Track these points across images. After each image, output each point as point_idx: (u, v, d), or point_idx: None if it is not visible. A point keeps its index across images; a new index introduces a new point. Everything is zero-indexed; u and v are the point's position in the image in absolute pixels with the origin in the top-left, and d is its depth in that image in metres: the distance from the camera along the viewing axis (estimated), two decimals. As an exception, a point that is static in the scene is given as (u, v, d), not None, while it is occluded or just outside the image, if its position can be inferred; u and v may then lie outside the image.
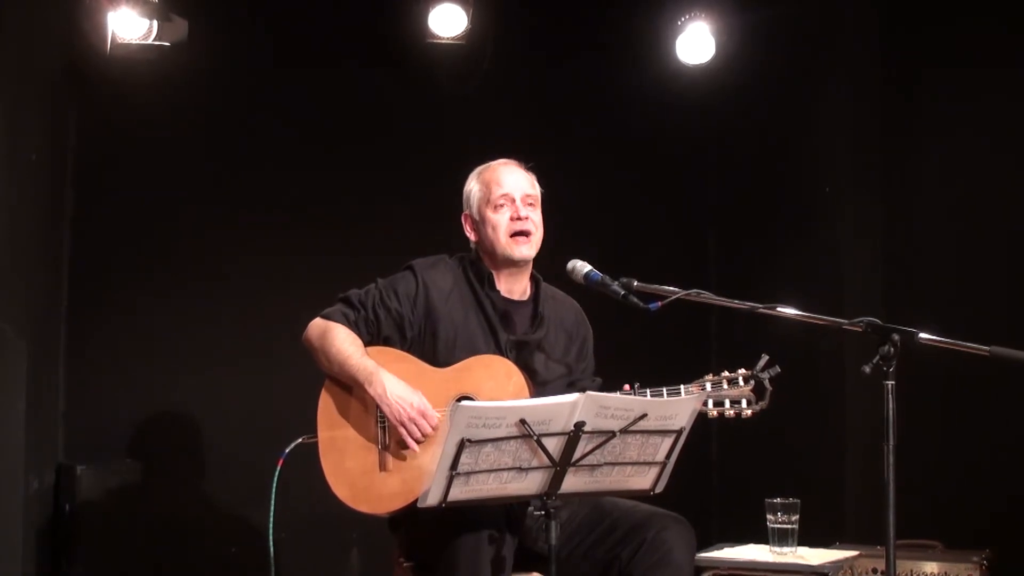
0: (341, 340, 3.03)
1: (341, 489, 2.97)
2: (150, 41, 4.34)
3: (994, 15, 4.51)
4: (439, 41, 4.80)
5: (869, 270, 4.97)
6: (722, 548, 3.51)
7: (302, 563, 4.59)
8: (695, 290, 2.91)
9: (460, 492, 2.56)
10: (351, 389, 3.02)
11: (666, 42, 5.01)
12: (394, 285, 3.12)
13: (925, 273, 4.74)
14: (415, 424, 2.92)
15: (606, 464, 2.64)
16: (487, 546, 2.72)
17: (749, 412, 2.95)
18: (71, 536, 4.28)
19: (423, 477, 2.84)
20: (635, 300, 2.90)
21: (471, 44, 4.82)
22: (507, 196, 3.14)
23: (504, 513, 2.77)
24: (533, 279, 3.25)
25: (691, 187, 5.60)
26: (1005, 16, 4.47)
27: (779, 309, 2.85)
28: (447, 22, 4.75)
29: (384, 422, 2.97)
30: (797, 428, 4.73)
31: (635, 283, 2.93)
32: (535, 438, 2.51)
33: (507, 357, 3.07)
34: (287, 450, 3.04)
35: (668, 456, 2.68)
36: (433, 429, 2.94)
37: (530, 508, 2.95)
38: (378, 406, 2.96)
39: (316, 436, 3.02)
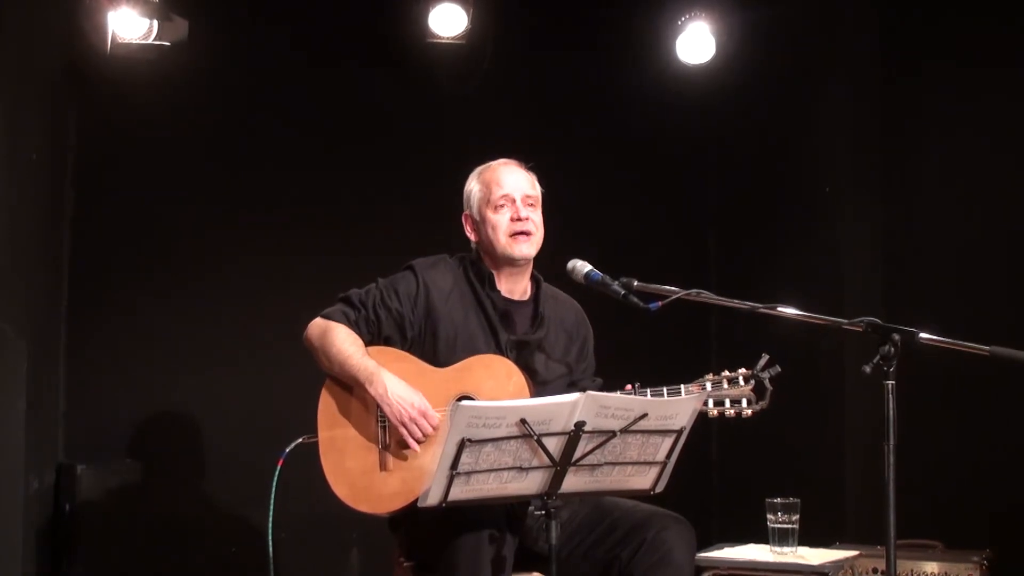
0: (342, 340, 3.02)
1: (341, 489, 2.96)
2: (150, 41, 4.34)
3: (994, 15, 4.51)
4: (439, 41, 4.80)
5: (869, 270, 4.98)
6: (722, 548, 3.51)
7: (302, 563, 4.59)
8: (695, 290, 2.91)
9: (460, 492, 2.56)
10: (351, 389, 3.02)
11: (666, 42, 5.01)
12: (395, 285, 3.12)
13: (925, 273, 4.74)
14: (416, 424, 2.92)
15: (606, 464, 2.63)
16: (487, 546, 2.72)
17: (749, 412, 2.95)
18: (71, 536, 4.28)
19: (423, 477, 2.84)
20: (635, 300, 2.90)
21: (471, 44, 4.82)
22: (507, 197, 3.14)
23: (504, 513, 2.77)
24: (534, 279, 3.24)
25: (691, 187, 5.60)
26: (1005, 16, 4.47)
27: (779, 309, 2.85)
28: (447, 22, 4.75)
29: (384, 422, 2.97)
30: (797, 428, 4.73)
31: (635, 283, 2.93)
32: (535, 438, 2.51)
33: (507, 357, 3.07)
34: (287, 450, 3.04)
35: (668, 456, 2.68)
36: (434, 429, 2.94)
37: (530, 508, 2.95)
38: (379, 406, 2.96)
39: (316, 436, 3.01)
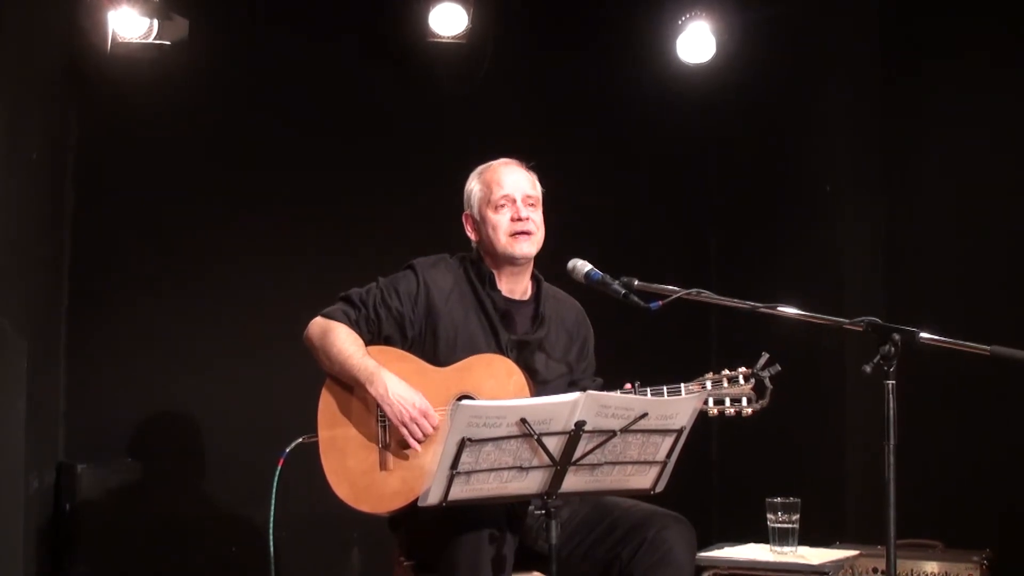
0: (342, 339, 3.02)
1: (342, 488, 2.96)
2: (151, 40, 4.34)
3: (994, 15, 4.51)
4: (440, 40, 4.79)
5: (869, 270, 4.98)
6: (722, 547, 3.52)
7: (302, 563, 4.59)
8: (695, 289, 2.91)
9: (461, 491, 2.56)
10: (352, 388, 3.02)
11: (666, 41, 5.01)
12: (395, 284, 3.12)
13: (925, 273, 4.74)
14: (417, 424, 2.92)
15: (606, 463, 2.63)
16: (488, 545, 2.71)
17: (749, 411, 2.94)
18: (71, 536, 4.28)
19: (424, 476, 2.84)
20: (636, 299, 2.90)
21: (471, 43, 4.82)
22: (508, 197, 3.14)
23: (505, 512, 2.77)
24: (534, 279, 3.24)
25: (691, 187, 5.60)
26: (1005, 16, 4.47)
27: (779, 309, 2.85)
28: (448, 21, 4.75)
29: (385, 421, 2.97)
30: (797, 427, 4.74)
31: (635, 282, 2.93)
32: (536, 437, 2.51)
33: (508, 357, 3.07)
34: (287, 450, 3.04)
35: (668, 455, 2.68)
36: (434, 428, 2.94)
37: (531, 507, 2.95)
38: (379, 405, 2.95)
39: (316, 436, 3.01)
